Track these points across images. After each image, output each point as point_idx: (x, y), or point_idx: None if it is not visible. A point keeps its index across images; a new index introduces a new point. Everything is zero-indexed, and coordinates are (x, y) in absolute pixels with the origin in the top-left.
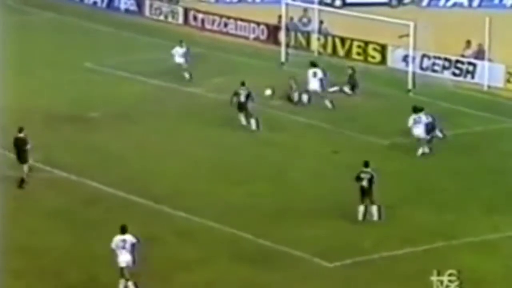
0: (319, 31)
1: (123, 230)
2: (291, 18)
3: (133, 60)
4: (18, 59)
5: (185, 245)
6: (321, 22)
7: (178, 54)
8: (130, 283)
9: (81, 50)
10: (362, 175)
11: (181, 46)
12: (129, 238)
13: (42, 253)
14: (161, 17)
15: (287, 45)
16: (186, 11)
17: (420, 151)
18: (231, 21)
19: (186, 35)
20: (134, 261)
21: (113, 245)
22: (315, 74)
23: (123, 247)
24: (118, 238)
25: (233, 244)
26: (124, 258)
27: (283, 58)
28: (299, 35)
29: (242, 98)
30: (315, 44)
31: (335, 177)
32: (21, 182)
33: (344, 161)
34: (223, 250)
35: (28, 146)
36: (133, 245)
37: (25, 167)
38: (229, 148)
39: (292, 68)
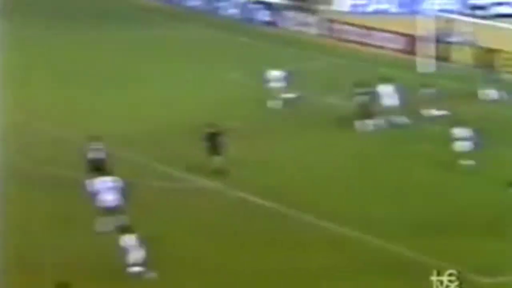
0: (466, 43)
1: None
2: (437, 29)
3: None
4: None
5: (332, 255)
6: (467, 33)
7: (275, 79)
8: None
9: (225, 61)
10: None
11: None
12: None
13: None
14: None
15: (432, 56)
16: (322, 22)
17: None
18: (369, 31)
19: (322, 46)
20: None
21: None
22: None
23: None
24: None
25: (380, 255)
26: None
27: (426, 69)
28: (444, 46)
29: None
30: (459, 56)
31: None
32: (220, 171)
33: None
34: (370, 262)
35: (223, 139)
36: None
37: (219, 159)
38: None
39: (437, 79)
